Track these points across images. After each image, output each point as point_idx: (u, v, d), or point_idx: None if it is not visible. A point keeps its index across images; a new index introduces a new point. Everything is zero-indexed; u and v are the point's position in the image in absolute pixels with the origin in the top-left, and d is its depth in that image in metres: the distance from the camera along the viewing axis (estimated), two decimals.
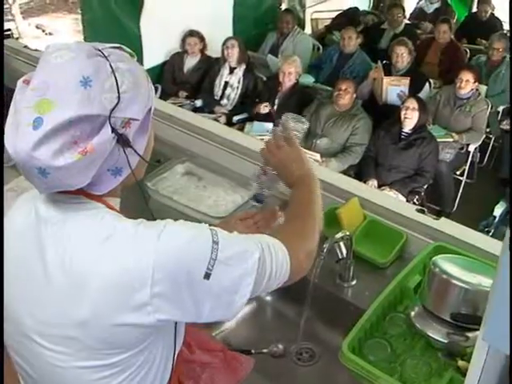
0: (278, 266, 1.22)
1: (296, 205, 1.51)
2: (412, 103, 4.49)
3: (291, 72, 5.16)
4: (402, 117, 4.49)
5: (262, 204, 1.68)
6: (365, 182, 4.35)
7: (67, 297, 1.12)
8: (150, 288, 1.07)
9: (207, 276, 1.10)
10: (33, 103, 1.05)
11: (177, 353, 1.31)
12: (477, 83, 5.07)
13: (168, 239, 1.11)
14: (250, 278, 1.15)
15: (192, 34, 5.62)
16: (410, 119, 4.47)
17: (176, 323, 1.24)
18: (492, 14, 6.84)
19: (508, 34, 6.34)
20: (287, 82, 5.19)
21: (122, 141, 1.12)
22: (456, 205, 4.99)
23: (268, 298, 2.15)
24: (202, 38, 5.65)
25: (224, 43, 5.49)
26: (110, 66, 1.10)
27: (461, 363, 1.49)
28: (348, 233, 1.87)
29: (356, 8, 7.55)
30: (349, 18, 7.19)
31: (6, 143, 1.08)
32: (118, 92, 1.10)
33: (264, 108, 5.22)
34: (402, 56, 5.39)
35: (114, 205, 1.22)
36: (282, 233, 1.36)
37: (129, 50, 1.21)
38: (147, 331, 1.14)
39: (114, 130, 1.09)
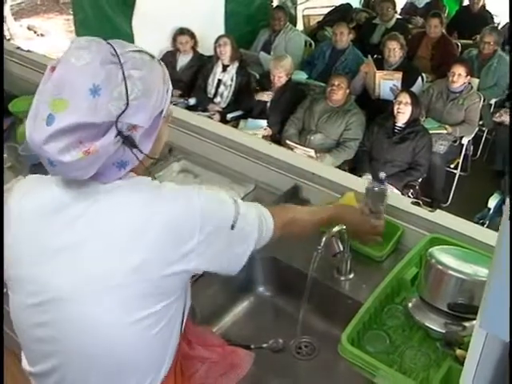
0: (267, 231, 1.48)
1: (314, 211, 1.81)
2: (405, 98, 4.51)
3: (281, 76, 5.19)
4: (395, 111, 4.51)
5: None
6: (359, 177, 4.36)
7: (115, 250, 1.21)
8: (198, 235, 1.24)
9: (232, 227, 1.32)
10: (50, 100, 1.14)
11: (184, 321, 1.40)
12: (469, 77, 5.09)
13: (205, 195, 1.30)
14: (255, 233, 1.41)
15: (182, 32, 5.63)
16: (403, 113, 4.50)
17: (187, 287, 1.38)
18: (483, 8, 6.85)
19: (499, 28, 6.37)
20: (278, 83, 5.22)
21: (128, 142, 1.20)
22: (450, 198, 5.02)
23: (267, 294, 2.17)
24: (192, 36, 5.66)
25: (216, 41, 5.50)
26: (123, 74, 1.17)
27: (459, 352, 1.50)
28: (344, 227, 1.88)
29: (349, 5, 7.55)
30: (341, 14, 7.19)
31: (26, 127, 1.18)
32: (127, 99, 1.16)
33: (268, 96, 5.24)
34: (394, 51, 5.41)
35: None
36: (281, 206, 1.76)
37: (150, 53, 1.27)
38: (186, 277, 1.30)
39: (120, 133, 1.17)
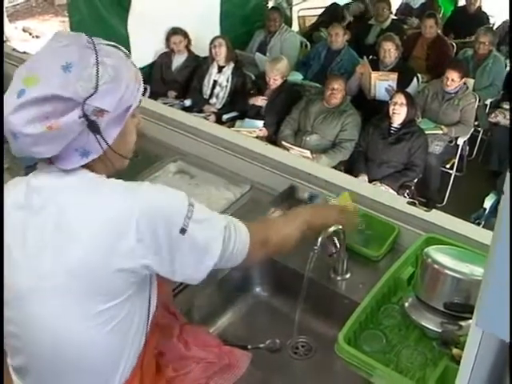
0: (241, 242, 1.40)
1: (290, 214, 1.72)
2: (400, 98, 4.52)
3: (276, 78, 5.19)
4: (391, 112, 4.52)
5: None
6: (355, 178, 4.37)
7: (59, 247, 1.23)
8: (135, 233, 1.21)
9: (183, 231, 1.26)
10: (24, 76, 1.20)
11: (150, 319, 1.40)
12: (464, 79, 5.10)
13: (151, 192, 1.29)
14: (218, 242, 1.33)
15: (175, 31, 5.63)
16: (399, 114, 4.51)
17: (150, 285, 1.37)
18: (479, 8, 6.87)
19: (494, 28, 6.39)
20: (273, 85, 5.23)
21: (92, 127, 1.22)
22: (446, 198, 5.03)
23: (264, 294, 2.17)
24: (185, 35, 5.66)
25: (211, 42, 5.50)
26: (96, 59, 1.22)
27: (455, 351, 1.51)
28: (340, 227, 1.88)
29: (336, 4, 7.51)
30: (331, 14, 7.18)
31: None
32: (97, 83, 1.21)
33: (262, 101, 5.25)
34: (390, 51, 5.42)
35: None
36: (256, 223, 1.56)
37: (125, 50, 1.33)
38: (131, 279, 1.26)
39: (85, 115, 1.20)
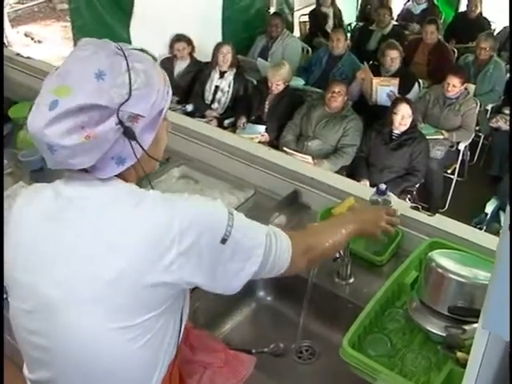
0: (282, 251, 1.37)
1: (330, 221, 1.77)
2: (406, 110, 4.49)
3: (278, 84, 5.20)
4: (397, 123, 4.50)
5: None
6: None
7: (96, 258, 1.20)
8: (177, 246, 1.19)
9: (223, 241, 1.24)
10: (54, 87, 1.17)
11: (182, 330, 1.38)
12: (464, 85, 5.11)
13: (191, 204, 1.26)
14: (260, 249, 1.31)
15: (179, 38, 5.63)
16: (405, 125, 4.52)
17: (184, 297, 1.35)
18: (480, 14, 6.89)
19: (495, 34, 6.41)
20: (275, 90, 5.23)
21: (128, 133, 1.20)
22: (448, 203, 5.03)
23: (268, 298, 2.18)
24: (189, 42, 5.66)
25: (217, 49, 5.49)
26: (127, 65, 1.21)
27: (459, 355, 1.51)
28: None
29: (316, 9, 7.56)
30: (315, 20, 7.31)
31: (28, 120, 1.20)
32: (130, 89, 1.19)
33: (243, 124, 5.27)
34: (396, 60, 5.46)
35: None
36: (299, 231, 1.56)
37: (152, 53, 1.32)
38: (170, 291, 1.23)
39: (120, 122, 1.18)
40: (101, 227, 1.22)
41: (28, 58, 3.54)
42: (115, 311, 1.21)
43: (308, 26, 7.58)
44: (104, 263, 1.20)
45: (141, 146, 1.24)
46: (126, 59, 1.21)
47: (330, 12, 7.44)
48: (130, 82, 1.19)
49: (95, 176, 1.24)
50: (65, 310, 1.23)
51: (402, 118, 4.49)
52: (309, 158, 4.59)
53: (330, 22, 7.31)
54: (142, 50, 1.30)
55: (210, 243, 1.22)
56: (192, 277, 1.23)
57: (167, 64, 5.66)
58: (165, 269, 1.19)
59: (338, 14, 7.53)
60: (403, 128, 4.53)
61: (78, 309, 1.22)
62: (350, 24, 7.79)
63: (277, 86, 5.19)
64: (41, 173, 2.54)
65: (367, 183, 4.52)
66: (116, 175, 1.26)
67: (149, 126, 1.26)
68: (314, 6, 7.55)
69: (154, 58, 1.32)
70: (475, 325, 1.55)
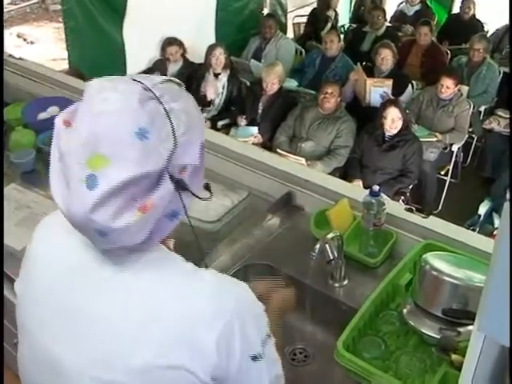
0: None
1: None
2: (395, 113, 4.48)
3: (274, 83, 5.19)
4: (387, 127, 4.50)
5: None
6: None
7: (123, 339, 1.04)
8: (215, 337, 1.03)
9: (254, 358, 1.08)
10: (85, 159, 0.95)
11: None
12: (458, 86, 5.13)
13: (243, 309, 1.08)
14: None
15: (171, 42, 5.63)
16: (396, 128, 4.52)
17: None
18: (473, 16, 6.91)
19: (488, 36, 6.43)
20: (269, 90, 5.23)
21: (180, 187, 1.03)
22: (441, 204, 5.04)
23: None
24: (181, 44, 5.67)
25: (210, 51, 5.49)
26: (164, 109, 1.00)
27: (454, 357, 1.51)
28: (338, 233, 1.89)
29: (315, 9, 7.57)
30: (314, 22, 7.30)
31: (54, 197, 1.01)
32: (175, 137, 1.00)
33: (242, 120, 5.26)
34: (387, 59, 5.44)
35: (170, 245, 1.19)
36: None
37: (177, 80, 1.12)
38: (193, 381, 1.04)
39: (171, 177, 1.01)
40: (135, 300, 1.05)
41: (20, 59, 3.52)
42: None
43: (303, 27, 7.58)
44: (128, 347, 1.03)
45: (193, 194, 1.07)
46: (161, 103, 1.01)
47: (332, 15, 7.47)
48: (174, 130, 1.00)
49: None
50: (75, 381, 1.08)
51: (392, 121, 4.49)
52: (302, 160, 4.59)
53: (329, 25, 7.30)
54: (169, 81, 1.09)
55: (243, 353, 1.07)
56: (218, 376, 1.07)
57: (160, 65, 5.66)
58: (194, 358, 1.03)
59: (335, 17, 7.56)
60: (394, 131, 4.53)
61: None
62: (343, 25, 7.81)
63: (272, 85, 5.18)
64: (32, 175, 2.53)
65: (360, 184, 4.53)
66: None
67: (197, 170, 1.08)
68: (306, 8, 7.56)
69: (180, 84, 1.12)
70: (470, 327, 1.55)
